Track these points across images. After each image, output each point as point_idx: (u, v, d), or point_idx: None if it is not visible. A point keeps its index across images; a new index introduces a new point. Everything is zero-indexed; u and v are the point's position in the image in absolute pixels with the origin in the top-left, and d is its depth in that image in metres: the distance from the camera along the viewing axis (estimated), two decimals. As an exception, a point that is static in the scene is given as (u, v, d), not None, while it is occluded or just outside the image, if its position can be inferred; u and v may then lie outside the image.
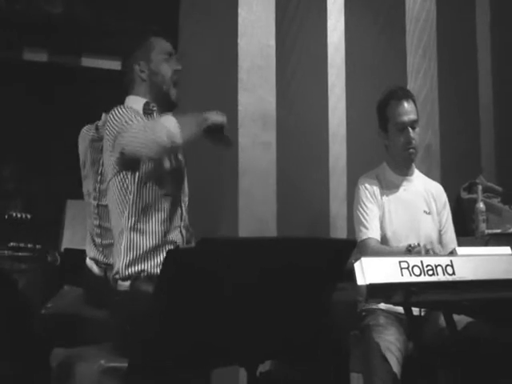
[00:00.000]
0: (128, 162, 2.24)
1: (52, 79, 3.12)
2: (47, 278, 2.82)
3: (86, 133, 2.79)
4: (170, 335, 1.53)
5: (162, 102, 2.46)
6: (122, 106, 2.32)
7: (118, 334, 2.20)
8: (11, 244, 2.22)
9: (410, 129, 2.95)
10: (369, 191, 2.96)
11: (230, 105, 3.50)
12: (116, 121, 2.26)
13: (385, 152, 3.09)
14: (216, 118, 2.32)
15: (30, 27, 3.04)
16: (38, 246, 2.23)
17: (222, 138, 2.39)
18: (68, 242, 3.10)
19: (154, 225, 2.30)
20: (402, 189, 3.01)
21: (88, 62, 3.15)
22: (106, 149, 2.34)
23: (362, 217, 2.93)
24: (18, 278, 2.35)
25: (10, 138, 3.07)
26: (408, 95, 3.01)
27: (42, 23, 3.06)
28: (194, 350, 1.59)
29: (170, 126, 2.17)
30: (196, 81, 3.33)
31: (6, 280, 2.69)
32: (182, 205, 2.45)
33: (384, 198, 2.96)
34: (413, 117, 2.97)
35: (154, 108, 2.44)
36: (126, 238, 2.28)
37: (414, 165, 3.10)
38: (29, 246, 2.22)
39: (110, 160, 2.31)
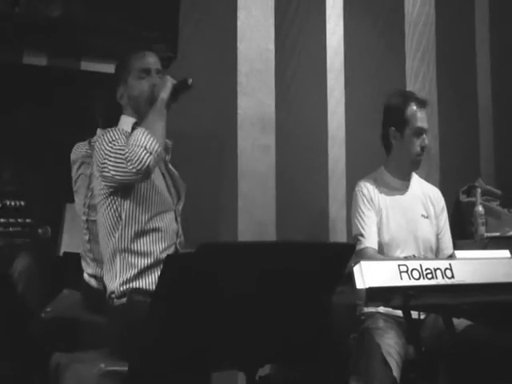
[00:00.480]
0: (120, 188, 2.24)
1: (52, 82, 3.11)
2: (46, 281, 2.82)
3: (79, 149, 2.78)
4: (169, 340, 1.53)
5: (146, 112, 2.44)
6: (111, 130, 2.30)
7: (116, 341, 2.19)
8: (1, 220, 2.21)
9: (424, 135, 2.97)
10: (366, 197, 2.95)
11: (229, 108, 3.51)
12: (104, 141, 2.25)
13: (384, 155, 3.09)
14: (167, 86, 2.33)
15: (29, 30, 3.03)
16: (28, 221, 2.21)
17: (182, 86, 2.39)
18: (67, 245, 3.10)
19: (148, 245, 2.27)
20: (400, 193, 3.01)
21: (87, 65, 3.15)
22: (95, 173, 2.32)
23: (359, 225, 2.92)
24: (13, 254, 2.33)
25: (10, 141, 3.06)
26: (426, 102, 3.04)
27: (41, 26, 3.06)
28: (194, 355, 1.59)
29: (143, 142, 2.16)
30: (195, 84, 3.33)
31: (5, 282, 2.69)
32: (178, 221, 2.42)
33: (382, 202, 2.95)
34: (427, 125, 3.01)
35: None
36: (120, 260, 2.26)
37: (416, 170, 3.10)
38: (19, 220, 2.20)
39: (99, 184, 2.29)
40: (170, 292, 1.48)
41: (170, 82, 2.36)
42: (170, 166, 2.54)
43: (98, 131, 2.78)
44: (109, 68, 2.78)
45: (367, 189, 2.97)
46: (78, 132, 2.83)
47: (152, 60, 2.47)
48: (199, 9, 3.43)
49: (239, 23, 3.56)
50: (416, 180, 3.10)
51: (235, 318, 1.58)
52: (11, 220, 2.21)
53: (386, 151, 3.05)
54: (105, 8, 3.19)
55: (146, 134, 2.18)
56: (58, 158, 2.85)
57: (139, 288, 2.24)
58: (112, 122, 2.49)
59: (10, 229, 2.22)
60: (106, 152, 2.22)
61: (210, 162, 3.39)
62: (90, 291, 2.64)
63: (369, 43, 3.97)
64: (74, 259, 2.87)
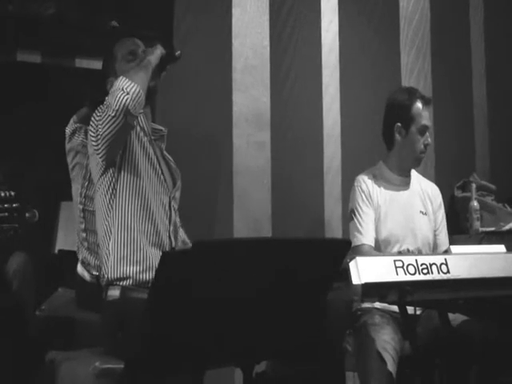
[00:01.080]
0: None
1: (46, 80, 3.11)
2: (41, 279, 2.82)
3: (75, 138, 2.75)
4: (165, 337, 1.53)
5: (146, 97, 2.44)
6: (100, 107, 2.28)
7: (110, 338, 2.18)
8: None
9: (427, 133, 2.98)
10: (365, 193, 2.94)
11: (224, 105, 3.51)
12: (93, 120, 2.24)
13: (380, 151, 3.08)
14: (156, 53, 2.34)
15: (23, 28, 3.03)
16: (14, 205, 2.20)
17: (170, 57, 2.41)
18: (62, 243, 3.10)
19: (141, 223, 2.27)
20: (399, 189, 3.01)
21: (82, 62, 3.14)
22: (90, 152, 2.32)
23: (356, 221, 2.91)
24: (2, 238, 2.32)
25: (3, 138, 3.05)
26: (431, 101, 3.05)
27: (34, 24, 3.06)
28: (190, 352, 1.59)
29: (120, 85, 2.16)
30: (190, 81, 3.33)
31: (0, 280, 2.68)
32: (172, 210, 2.42)
33: (380, 198, 2.95)
34: (430, 123, 3.03)
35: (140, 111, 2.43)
36: (113, 236, 2.26)
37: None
38: (5, 205, 2.19)
39: (95, 161, 2.29)
40: (166, 289, 1.47)
41: (159, 50, 2.36)
42: (166, 153, 2.54)
43: (84, 110, 2.75)
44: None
45: (366, 184, 2.96)
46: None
47: (136, 43, 2.48)
48: (194, 6, 3.42)
49: (234, 20, 3.55)
50: (415, 176, 3.10)
51: (232, 315, 1.58)
52: (-2, 206, 2.19)
53: (388, 147, 3.04)
54: (98, 6, 3.19)
55: (124, 79, 2.17)
56: (53, 156, 2.84)
57: (129, 276, 2.23)
58: None
59: (-3, 214, 2.20)
60: (96, 118, 2.21)
61: (206, 159, 3.38)
62: (83, 285, 2.63)
63: (364, 39, 3.97)
64: (69, 257, 2.87)
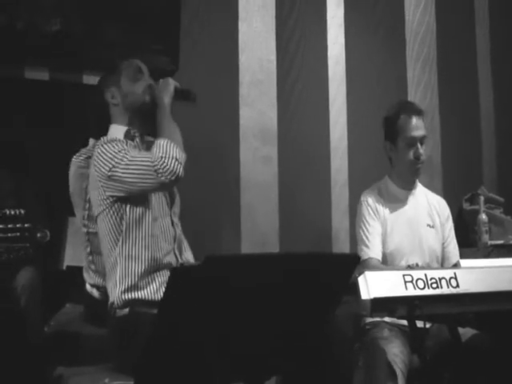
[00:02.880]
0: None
1: (54, 96, 3.12)
2: (48, 295, 2.82)
3: (75, 161, 2.75)
4: (175, 353, 1.53)
5: (140, 118, 2.43)
6: (106, 142, 2.28)
7: (118, 354, 2.18)
8: (0, 226, 2.21)
9: (419, 144, 2.95)
10: (371, 207, 2.94)
11: (231, 120, 3.52)
12: (104, 157, 2.24)
13: (387, 165, 3.08)
14: (169, 89, 2.35)
15: (30, 45, 3.04)
16: (26, 225, 2.22)
17: (184, 95, 2.42)
18: (69, 259, 3.09)
19: (147, 251, 2.26)
20: (404, 202, 3.00)
21: (89, 79, 3.16)
22: (93, 186, 2.31)
23: (363, 235, 2.91)
24: (14, 263, 2.34)
25: (11, 155, 3.07)
26: (419, 111, 2.99)
27: (41, 41, 3.07)
28: (200, 367, 1.59)
29: (173, 153, 2.19)
30: (197, 96, 3.34)
31: (8, 296, 2.68)
32: (175, 227, 2.41)
33: (387, 212, 2.95)
34: (422, 133, 2.96)
35: (136, 134, 2.41)
36: (120, 267, 2.26)
37: (417, 179, 3.09)
38: (17, 226, 2.21)
39: (98, 195, 2.28)
40: (176, 305, 1.47)
41: (172, 86, 2.37)
42: None
43: (91, 141, 2.76)
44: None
45: (372, 199, 2.96)
46: (81, 146, 2.82)
47: (143, 66, 2.47)
48: (200, 21, 3.45)
49: (240, 35, 3.57)
50: (421, 189, 3.09)
51: (241, 330, 1.57)
52: (10, 226, 2.21)
53: (389, 162, 3.05)
54: (105, 21, 3.20)
55: (172, 144, 2.21)
56: (60, 172, 2.84)
57: (140, 298, 2.24)
58: (102, 128, 2.48)
59: (9, 234, 2.22)
60: (118, 162, 2.21)
61: (213, 174, 3.39)
62: (92, 302, 2.63)
63: (370, 53, 3.98)
64: (77, 273, 2.86)
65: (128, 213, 2.27)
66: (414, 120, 2.94)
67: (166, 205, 2.40)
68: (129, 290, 2.25)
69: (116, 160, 2.21)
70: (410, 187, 3.03)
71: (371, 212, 2.93)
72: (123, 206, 2.27)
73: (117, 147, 2.24)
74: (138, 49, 3.15)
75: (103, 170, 2.23)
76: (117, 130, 2.41)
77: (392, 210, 2.95)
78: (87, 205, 2.53)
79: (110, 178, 2.22)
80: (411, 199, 3.02)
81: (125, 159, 2.21)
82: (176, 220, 2.45)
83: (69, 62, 3.13)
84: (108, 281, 2.33)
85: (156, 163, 2.17)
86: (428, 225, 2.99)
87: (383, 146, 3.05)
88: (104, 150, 2.25)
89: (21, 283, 2.75)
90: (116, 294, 2.26)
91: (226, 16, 3.56)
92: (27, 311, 2.71)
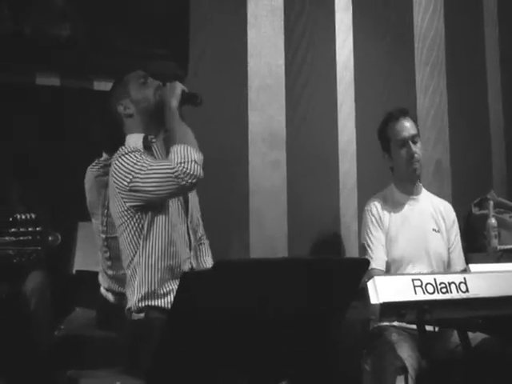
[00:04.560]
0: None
1: (65, 103, 3.13)
2: (58, 299, 2.83)
3: (90, 171, 2.76)
4: (184, 357, 1.53)
5: (155, 123, 2.46)
6: (122, 154, 2.31)
7: (130, 356, 2.19)
8: (12, 230, 2.24)
9: (411, 143, 2.97)
10: (375, 217, 2.98)
11: (239, 124, 3.52)
12: (122, 170, 2.27)
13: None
14: (176, 93, 2.37)
15: (40, 51, 3.05)
16: (38, 229, 2.24)
17: (190, 99, 2.43)
18: (80, 263, 3.11)
19: (165, 259, 2.30)
20: (410, 208, 3.02)
21: (99, 85, 3.17)
22: (112, 197, 2.34)
23: (367, 245, 2.95)
24: (25, 267, 2.36)
25: (21, 161, 3.08)
26: (404, 112, 3.05)
27: (51, 47, 3.09)
28: (209, 372, 1.59)
29: (192, 156, 2.23)
30: (206, 101, 3.34)
31: (18, 300, 2.70)
32: (191, 235, 2.44)
33: (392, 219, 2.97)
34: (412, 131, 3.00)
35: (153, 140, 2.44)
36: (138, 276, 2.29)
37: (421, 184, 3.10)
38: (29, 229, 2.23)
39: (119, 207, 2.31)
40: (187, 309, 1.48)
41: (179, 89, 2.39)
42: None
43: (104, 154, 2.76)
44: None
45: (376, 208, 2.99)
46: (92, 153, 2.84)
47: (144, 72, 2.50)
48: (209, 26, 3.46)
49: (249, 39, 3.58)
50: (425, 194, 3.10)
51: (250, 335, 1.58)
52: (21, 229, 2.24)
53: (391, 172, 3.11)
54: (114, 27, 3.22)
55: (188, 148, 2.24)
56: (71, 177, 2.86)
57: (157, 306, 2.26)
58: (116, 142, 2.49)
59: (21, 238, 2.25)
60: (138, 174, 2.23)
61: (222, 178, 3.39)
62: (106, 306, 2.65)
63: (378, 57, 3.98)
64: (87, 277, 2.88)
65: (148, 223, 2.30)
66: (401, 122, 3.00)
67: (183, 212, 2.43)
68: (147, 297, 2.28)
69: (135, 172, 2.24)
70: (413, 192, 3.04)
71: (375, 222, 2.96)
72: (144, 216, 2.29)
73: (134, 158, 2.27)
74: (148, 54, 3.16)
75: (123, 182, 2.26)
76: (134, 139, 2.43)
77: (397, 217, 2.97)
78: (106, 211, 2.55)
79: (131, 190, 2.25)
80: (416, 205, 3.03)
81: (144, 169, 2.23)
82: (193, 226, 2.47)
83: (79, 68, 3.14)
84: (127, 288, 2.36)
85: (176, 169, 2.20)
86: (434, 229, 3.00)
87: (383, 158, 3.10)
88: (121, 163, 2.27)
89: (30, 287, 2.76)
90: (134, 300, 2.29)
91: (235, 21, 3.57)
92: (36, 315, 2.72)
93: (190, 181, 2.21)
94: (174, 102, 2.37)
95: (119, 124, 2.47)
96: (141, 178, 2.23)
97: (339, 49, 3.86)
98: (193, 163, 2.21)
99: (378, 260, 2.88)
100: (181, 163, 2.20)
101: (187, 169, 2.20)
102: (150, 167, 2.23)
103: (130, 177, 2.24)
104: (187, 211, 2.46)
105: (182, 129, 2.33)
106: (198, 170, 2.23)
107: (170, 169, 2.20)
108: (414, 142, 2.98)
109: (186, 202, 2.47)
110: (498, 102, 4.37)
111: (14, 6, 3.03)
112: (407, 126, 2.99)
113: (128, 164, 2.26)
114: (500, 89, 4.37)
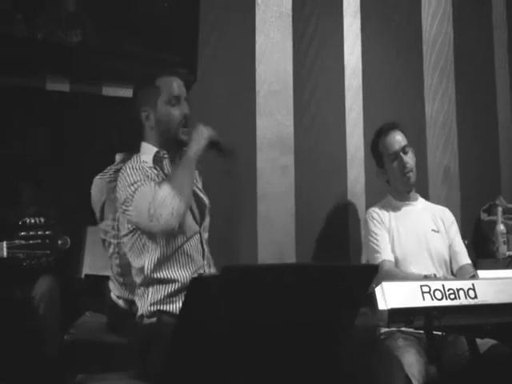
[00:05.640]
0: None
1: (74, 108, 3.15)
2: (67, 303, 2.84)
3: (100, 179, 2.75)
4: (193, 362, 1.53)
5: (173, 144, 2.43)
6: (131, 168, 2.32)
7: (140, 359, 2.20)
8: (22, 233, 2.26)
9: (402, 154, 3.08)
10: (376, 220, 3.08)
11: (248, 130, 3.53)
12: (126, 181, 2.28)
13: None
14: (200, 140, 2.35)
15: (50, 57, 3.07)
16: (47, 233, 2.26)
17: (221, 150, 2.43)
18: (88, 268, 3.12)
19: (176, 270, 2.30)
20: (408, 212, 3.15)
21: (109, 91, 3.18)
22: (119, 203, 2.34)
23: (373, 244, 3.03)
24: (34, 270, 2.38)
25: (31, 165, 3.10)
26: (393, 126, 3.18)
27: (62, 53, 3.10)
28: (216, 376, 1.59)
29: (172, 205, 2.18)
30: (214, 106, 3.35)
31: (27, 304, 2.70)
32: (204, 242, 2.43)
33: (392, 222, 3.10)
34: (403, 143, 3.11)
35: (165, 156, 2.42)
36: (150, 286, 2.30)
37: (416, 193, 3.20)
38: (39, 233, 2.25)
39: (123, 216, 2.34)
40: (195, 315, 1.48)
41: (205, 140, 2.36)
42: (198, 190, 2.54)
43: (117, 157, 2.78)
44: (130, 93, 2.81)
45: (376, 213, 3.11)
46: (101, 157, 2.85)
47: (181, 87, 2.44)
48: (218, 32, 3.46)
49: (257, 46, 3.58)
50: (422, 201, 3.24)
51: (258, 341, 1.58)
52: (31, 233, 2.26)
53: (388, 185, 3.21)
54: (124, 33, 3.23)
55: (174, 195, 2.18)
56: (79, 182, 2.87)
57: (168, 311, 2.27)
58: (129, 146, 2.50)
59: (31, 241, 2.27)
60: (129, 196, 2.25)
61: (229, 183, 3.39)
62: (116, 311, 2.65)
63: (387, 63, 3.98)
64: (96, 282, 2.88)
65: (149, 239, 2.29)
66: (390, 136, 3.13)
67: (195, 222, 2.41)
68: (158, 303, 2.28)
69: (129, 193, 2.24)
70: (410, 199, 3.13)
71: (377, 223, 3.06)
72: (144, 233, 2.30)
73: (135, 177, 2.27)
74: (157, 60, 3.17)
75: (120, 199, 2.29)
76: (147, 150, 2.42)
77: (396, 220, 3.09)
78: (115, 215, 2.56)
79: (122, 210, 2.28)
80: (414, 210, 3.14)
81: (135, 195, 2.23)
82: (205, 236, 2.46)
83: (89, 74, 3.16)
84: (139, 297, 2.35)
85: (153, 208, 2.16)
86: (433, 230, 3.10)
87: (376, 176, 3.23)
88: (126, 176, 2.29)
89: (39, 291, 2.77)
90: (145, 308, 2.30)
91: (244, 27, 3.57)
92: (46, 319, 2.73)
93: (161, 227, 2.18)
94: (194, 150, 2.32)
95: (138, 126, 2.45)
96: (128, 204, 2.24)
97: (347, 54, 3.86)
98: (169, 212, 2.16)
99: (386, 252, 2.98)
100: (160, 205, 2.16)
101: (162, 214, 2.15)
102: (139, 193, 2.22)
103: (124, 197, 2.26)
104: (202, 219, 2.46)
105: (185, 175, 2.28)
106: (171, 222, 2.17)
107: (148, 204, 2.17)
108: (405, 153, 3.09)
109: (200, 208, 2.47)
110: (507, 107, 4.36)
111: (26, 11, 3.05)
112: (398, 139, 3.11)
113: (128, 180, 2.27)
114: (509, 94, 4.37)
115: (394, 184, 3.15)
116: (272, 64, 3.62)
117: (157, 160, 2.39)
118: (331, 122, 3.77)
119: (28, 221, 2.29)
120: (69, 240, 2.30)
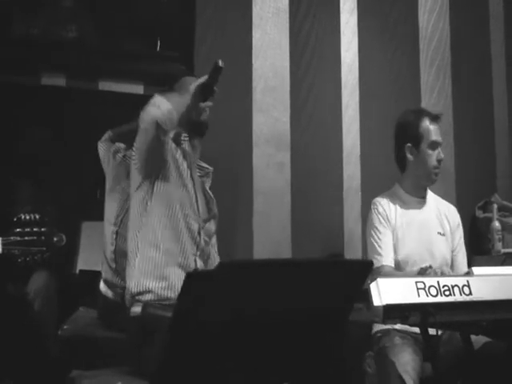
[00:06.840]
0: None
1: (70, 103, 3.15)
2: (62, 299, 2.84)
3: (114, 151, 2.78)
4: (186, 357, 1.53)
5: (193, 128, 2.52)
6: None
7: (134, 359, 2.20)
8: (17, 230, 2.27)
9: (440, 149, 2.96)
10: (382, 215, 2.94)
11: (244, 126, 3.53)
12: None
13: (398, 172, 3.07)
14: (197, 80, 2.39)
15: (47, 52, 3.07)
16: (43, 229, 2.27)
17: (214, 73, 2.43)
18: (83, 263, 3.12)
19: (168, 242, 2.33)
20: (415, 210, 2.99)
21: (104, 85, 3.18)
22: (132, 168, 2.42)
23: (375, 243, 2.90)
24: (30, 268, 2.39)
25: (27, 161, 3.09)
26: (438, 117, 3.02)
27: (58, 48, 3.10)
28: (212, 372, 1.59)
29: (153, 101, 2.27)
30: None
31: (22, 300, 2.70)
32: (201, 238, 2.45)
33: (398, 220, 2.94)
34: (441, 139, 3.00)
35: (186, 138, 2.49)
36: (140, 253, 2.33)
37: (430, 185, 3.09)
38: (34, 230, 2.26)
39: (133, 174, 2.40)
40: (190, 310, 1.48)
41: (202, 78, 2.41)
42: (208, 190, 2.60)
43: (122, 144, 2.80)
44: (127, 88, 2.81)
45: (383, 207, 2.95)
46: (96, 152, 2.85)
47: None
48: (215, 28, 3.46)
49: (254, 41, 3.59)
50: (431, 197, 3.08)
51: (253, 336, 1.58)
52: (27, 229, 2.27)
53: (401, 169, 3.03)
54: (120, 29, 3.23)
55: (158, 97, 2.29)
56: (74, 178, 2.87)
57: (151, 290, 2.29)
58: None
59: (26, 238, 2.27)
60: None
61: (225, 180, 3.39)
62: (106, 303, 2.65)
63: (383, 59, 3.98)
64: (90, 277, 2.88)
65: (154, 197, 2.35)
66: (435, 125, 2.97)
67: (199, 213, 2.45)
68: (145, 275, 2.31)
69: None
70: (421, 195, 3.02)
71: (382, 220, 2.92)
72: (150, 189, 2.35)
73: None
74: (154, 56, 3.17)
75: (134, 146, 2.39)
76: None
77: (403, 218, 2.94)
78: (126, 206, 2.57)
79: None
80: (422, 207, 3.01)
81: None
82: (205, 236, 2.48)
83: (85, 69, 3.16)
84: (127, 268, 2.39)
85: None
86: (439, 233, 2.98)
87: (396, 152, 3.04)
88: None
89: (35, 287, 2.77)
90: (133, 279, 2.32)
91: (241, 23, 3.57)
92: (41, 315, 2.73)
93: (145, 120, 2.24)
94: (191, 86, 2.35)
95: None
96: (137, 139, 2.34)
97: (344, 51, 3.86)
98: (151, 107, 2.25)
99: (387, 257, 2.85)
100: (145, 108, 2.26)
101: (146, 111, 2.25)
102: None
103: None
104: (208, 217, 2.51)
105: (175, 95, 2.41)
106: (154, 113, 2.23)
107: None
108: (440, 150, 2.98)
109: (210, 211, 2.53)
110: (503, 104, 4.36)
111: (24, 8, 3.05)
112: (439, 132, 2.98)
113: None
114: (505, 91, 4.37)
115: (416, 172, 2.97)
116: (269, 60, 3.61)
117: (177, 141, 2.49)
118: (328, 119, 3.77)
119: (23, 217, 2.30)
120: (64, 237, 2.30)
